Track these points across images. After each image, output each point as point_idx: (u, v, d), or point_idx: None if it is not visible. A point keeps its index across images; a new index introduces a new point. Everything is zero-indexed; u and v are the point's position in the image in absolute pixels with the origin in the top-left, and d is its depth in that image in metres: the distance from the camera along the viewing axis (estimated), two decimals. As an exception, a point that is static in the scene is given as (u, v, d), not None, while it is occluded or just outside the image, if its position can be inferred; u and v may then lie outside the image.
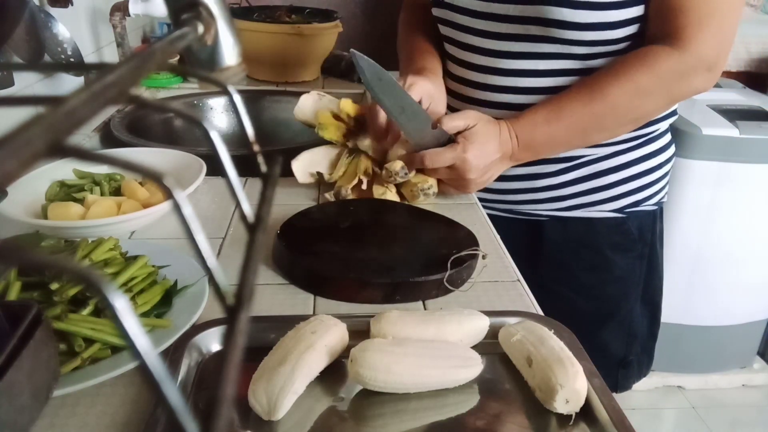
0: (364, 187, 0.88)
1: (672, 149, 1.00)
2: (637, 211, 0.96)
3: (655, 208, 0.99)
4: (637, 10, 0.82)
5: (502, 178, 0.95)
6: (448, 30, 0.96)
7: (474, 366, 0.54)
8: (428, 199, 0.88)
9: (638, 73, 0.80)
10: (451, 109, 0.98)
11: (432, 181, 0.88)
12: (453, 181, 0.88)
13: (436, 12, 0.96)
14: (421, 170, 0.88)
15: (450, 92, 0.98)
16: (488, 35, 0.89)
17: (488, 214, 0.89)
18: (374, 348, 0.52)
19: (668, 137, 0.99)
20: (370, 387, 0.52)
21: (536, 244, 0.98)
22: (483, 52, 0.91)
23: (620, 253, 0.97)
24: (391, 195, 0.88)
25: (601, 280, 0.98)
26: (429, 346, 0.55)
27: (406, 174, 0.86)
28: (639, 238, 0.97)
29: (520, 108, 0.88)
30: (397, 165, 0.85)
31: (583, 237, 0.96)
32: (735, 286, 1.89)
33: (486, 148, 0.84)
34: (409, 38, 1.05)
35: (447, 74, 0.99)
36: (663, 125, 0.96)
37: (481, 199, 0.95)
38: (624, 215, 0.96)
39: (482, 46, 0.90)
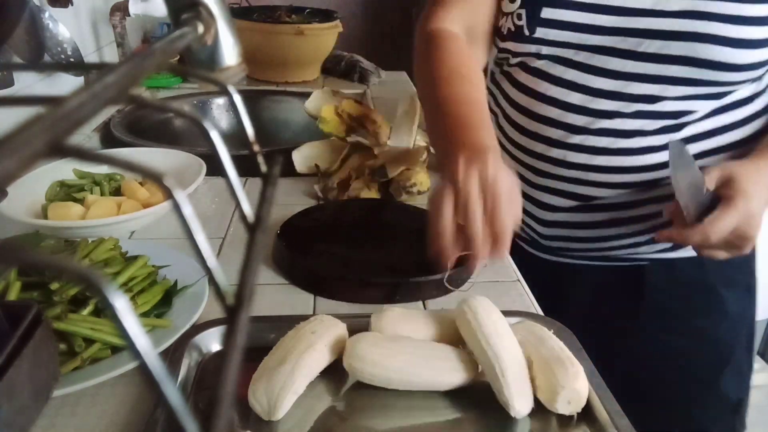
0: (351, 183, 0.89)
1: None
2: None
3: None
4: None
5: (594, 225, 0.82)
6: (540, 62, 0.77)
7: (467, 371, 0.53)
8: (412, 197, 0.88)
9: None
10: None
11: (417, 179, 0.87)
12: (730, 248, 0.69)
13: (515, 47, 0.77)
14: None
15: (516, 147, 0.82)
16: (604, 73, 0.73)
17: (572, 264, 0.80)
18: (367, 340, 0.53)
19: None
20: (359, 378, 0.53)
21: (637, 290, 0.84)
22: (592, 92, 0.74)
23: (732, 288, 0.84)
24: (369, 193, 0.88)
25: (715, 323, 0.84)
26: (424, 346, 0.55)
27: (385, 175, 0.86)
28: (746, 266, 0.86)
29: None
30: (377, 164, 0.86)
31: (693, 278, 0.83)
32: (735, 286, 1.88)
33: (759, 191, 0.67)
34: (448, 87, 0.72)
35: (511, 123, 0.83)
36: None
37: (563, 249, 0.83)
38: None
39: (591, 85, 0.74)
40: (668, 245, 0.80)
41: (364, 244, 0.74)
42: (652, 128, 0.74)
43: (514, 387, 0.50)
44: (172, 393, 0.15)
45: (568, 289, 0.71)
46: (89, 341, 0.53)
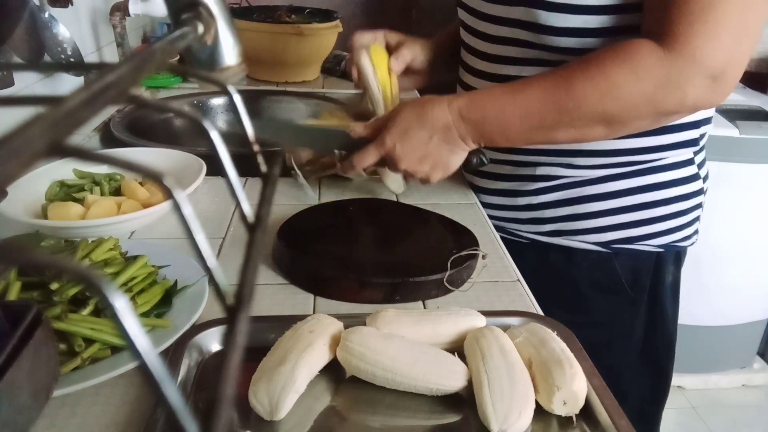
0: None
1: (696, 185, 0.85)
2: (628, 249, 0.84)
3: (658, 250, 0.85)
4: (618, 19, 0.72)
5: (483, 191, 0.93)
6: (463, 33, 0.91)
7: (457, 380, 0.52)
8: (361, 178, 0.90)
9: (612, 66, 0.68)
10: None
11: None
12: (409, 178, 0.83)
13: (460, 14, 0.91)
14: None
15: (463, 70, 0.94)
16: (486, 38, 0.84)
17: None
18: (360, 333, 0.53)
19: (688, 170, 0.84)
20: (346, 369, 0.53)
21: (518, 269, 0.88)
22: (481, 56, 0.86)
23: (602, 294, 0.86)
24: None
25: (575, 321, 0.84)
26: (417, 348, 0.54)
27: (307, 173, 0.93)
28: (633, 283, 0.85)
29: None
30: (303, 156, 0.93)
31: (562, 269, 0.87)
32: (735, 286, 1.89)
33: (409, 132, 0.77)
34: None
35: (458, 82, 0.95)
36: (671, 154, 0.82)
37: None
38: (609, 251, 0.84)
39: (480, 49, 0.86)
40: (544, 229, 0.87)
41: (364, 244, 0.74)
42: None
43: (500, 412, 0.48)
44: (172, 393, 0.15)
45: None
46: (89, 341, 0.53)
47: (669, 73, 0.66)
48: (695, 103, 0.68)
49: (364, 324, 0.57)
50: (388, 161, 0.80)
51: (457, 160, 0.79)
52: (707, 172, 0.90)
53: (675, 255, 0.87)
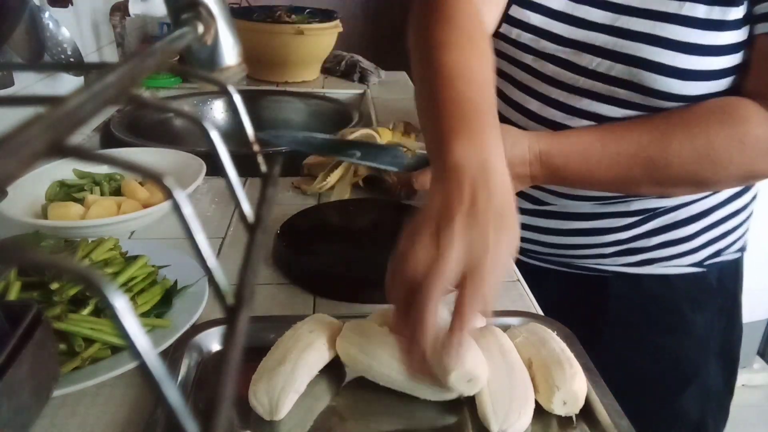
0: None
1: (757, 184, 0.84)
2: (718, 263, 0.83)
3: (738, 255, 0.86)
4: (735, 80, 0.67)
5: (557, 232, 0.82)
6: (503, 64, 0.78)
7: (449, 393, 0.51)
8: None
9: (718, 130, 0.63)
10: None
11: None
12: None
13: (496, 44, 0.76)
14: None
15: None
16: (558, 84, 0.73)
17: (538, 267, 0.80)
18: (361, 326, 0.54)
19: None
20: (344, 360, 0.53)
21: (600, 301, 0.83)
22: (547, 102, 0.75)
23: (699, 311, 0.83)
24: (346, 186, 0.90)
25: (678, 342, 0.83)
26: None
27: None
28: (719, 290, 0.84)
29: None
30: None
31: (657, 294, 0.82)
32: (735, 286, 1.89)
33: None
34: (446, 67, 0.60)
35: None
36: None
37: (529, 251, 0.84)
38: (704, 269, 0.82)
39: (547, 94, 0.75)
40: (633, 260, 0.81)
41: (364, 244, 0.74)
42: None
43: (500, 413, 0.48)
44: (172, 393, 0.15)
45: (534, 291, 0.71)
46: (89, 341, 0.53)
47: None
48: None
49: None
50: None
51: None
52: None
53: (742, 254, 0.88)
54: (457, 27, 0.64)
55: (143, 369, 0.14)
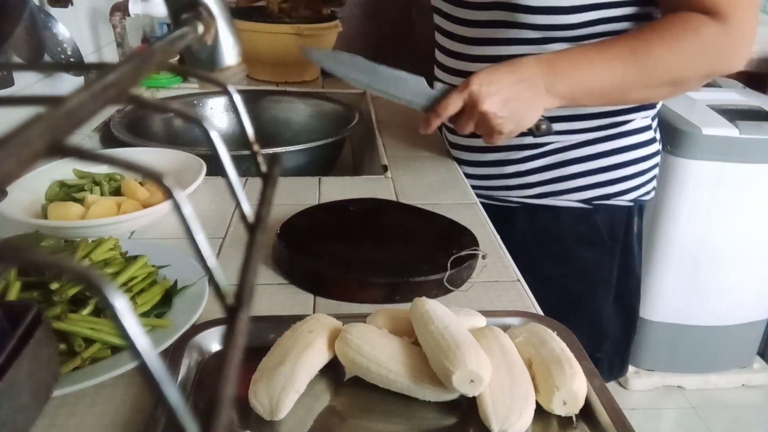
0: None
1: (654, 147, 0.98)
2: (606, 205, 0.95)
3: (629, 204, 0.97)
4: None
5: (471, 164, 0.99)
6: (438, 19, 0.97)
7: (450, 393, 0.51)
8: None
9: (684, 34, 0.77)
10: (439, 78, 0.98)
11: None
12: (481, 127, 0.82)
13: (433, 1, 0.97)
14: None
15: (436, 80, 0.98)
16: (463, 22, 0.90)
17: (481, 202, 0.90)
18: (359, 328, 0.54)
19: (648, 134, 0.97)
20: (342, 361, 0.53)
21: (507, 231, 0.93)
22: (458, 39, 0.92)
23: (585, 246, 0.96)
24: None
25: (563, 273, 0.97)
26: (415, 352, 0.53)
27: None
28: (610, 234, 0.96)
29: None
30: None
31: (549, 227, 0.96)
32: (735, 286, 1.89)
33: (496, 75, 0.79)
34: None
35: (436, 63, 1.01)
36: (637, 118, 0.93)
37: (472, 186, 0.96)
38: (590, 207, 0.95)
39: (458, 33, 0.92)
40: (531, 192, 0.96)
41: (364, 244, 0.74)
42: None
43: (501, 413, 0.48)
44: (172, 393, 0.15)
45: None
46: (89, 341, 0.53)
47: (725, 43, 0.78)
48: (735, 67, 0.80)
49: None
50: (469, 105, 0.80)
51: (533, 115, 0.81)
52: (660, 136, 1.02)
53: (639, 208, 0.99)
54: None
55: (143, 369, 0.14)
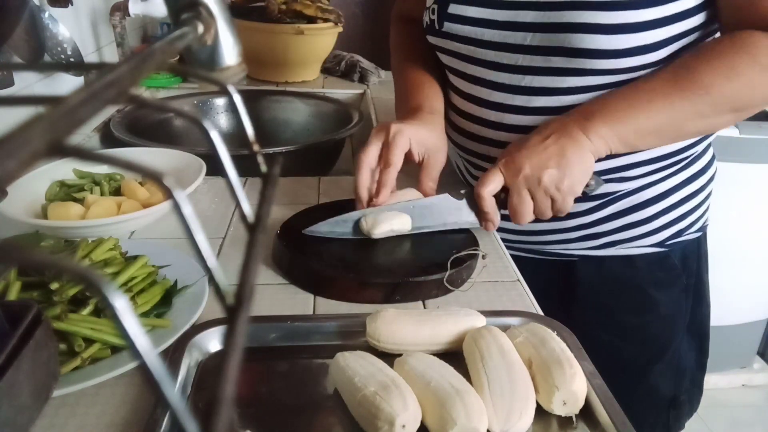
0: None
1: (714, 165, 0.89)
2: (680, 242, 0.86)
3: (699, 234, 0.89)
4: (683, 25, 0.70)
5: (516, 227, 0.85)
6: (449, 59, 0.84)
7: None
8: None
9: (735, 56, 0.67)
10: (456, 145, 0.90)
11: None
12: (536, 200, 0.71)
13: (432, 40, 0.83)
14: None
15: (455, 128, 0.88)
16: (501, 68, 0.77)
17: (512, 255, 0.80)
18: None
19: (710, 153, 0.88)
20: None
21: (569, 285, 0.88)
22: (495, 87, 0.78)
23: (664, 290, 0.87)
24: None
25: (645, 321, 0.88)
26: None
27: None
28: (683, 270, 0.88)
29: None
30: None
31: (622, 276, 0.86)
32: (735, 286, 1.89)
33: (518, 143, 0.72)
34: (402, 67, 0.92)
35: (451, 107, 0.88)
36: (703, 143, 0.85)
37: (503, 240, 0.85)
38: (666, 248, 0.85)
39: (494, 79, 0.78)
40: (597, 243, 0.85)
41: (364, 244, 0.74)
42: None
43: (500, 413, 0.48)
44: (172, 393, 0.15)
45: None
46: (89, 341, 0.53)
47: None
48: None
49: (364, 323, 0.58)
50: (509, 174, 0.70)
51: (584, 167, 0.69)
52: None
53: (704, 233, 0.92)
54: (405, 45, 0.96)
55: (143, 369, 0.14)
